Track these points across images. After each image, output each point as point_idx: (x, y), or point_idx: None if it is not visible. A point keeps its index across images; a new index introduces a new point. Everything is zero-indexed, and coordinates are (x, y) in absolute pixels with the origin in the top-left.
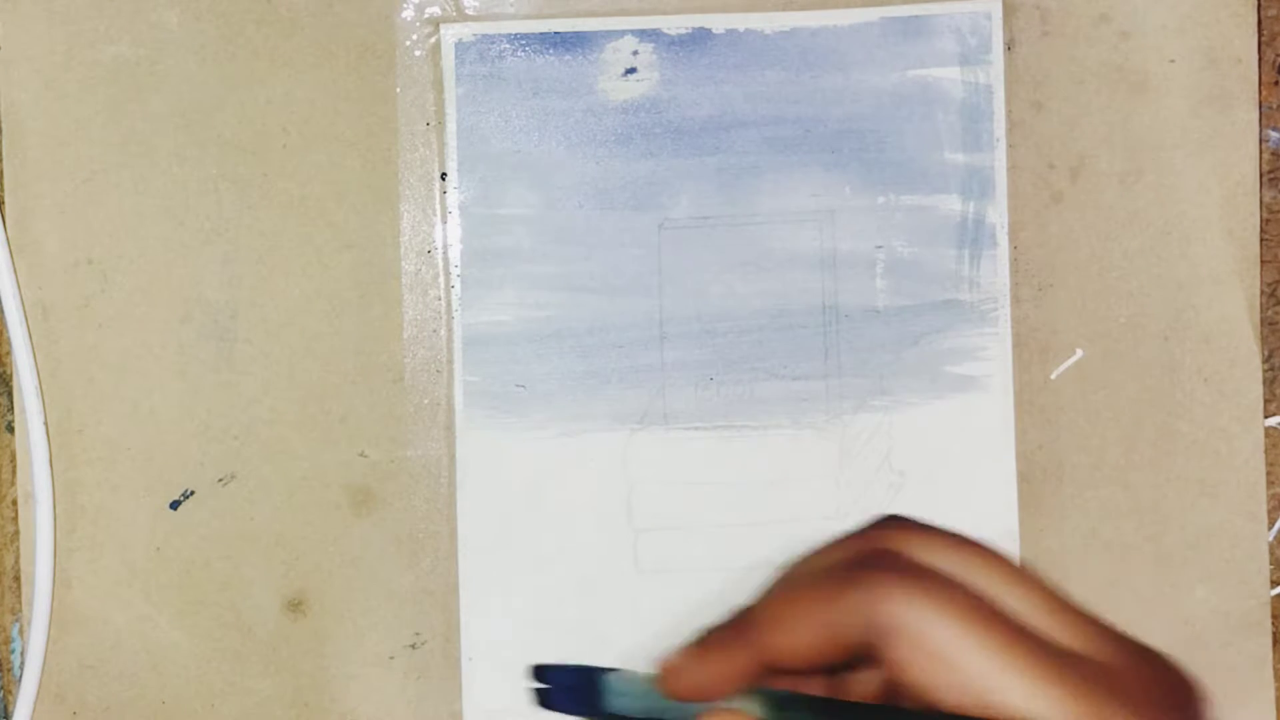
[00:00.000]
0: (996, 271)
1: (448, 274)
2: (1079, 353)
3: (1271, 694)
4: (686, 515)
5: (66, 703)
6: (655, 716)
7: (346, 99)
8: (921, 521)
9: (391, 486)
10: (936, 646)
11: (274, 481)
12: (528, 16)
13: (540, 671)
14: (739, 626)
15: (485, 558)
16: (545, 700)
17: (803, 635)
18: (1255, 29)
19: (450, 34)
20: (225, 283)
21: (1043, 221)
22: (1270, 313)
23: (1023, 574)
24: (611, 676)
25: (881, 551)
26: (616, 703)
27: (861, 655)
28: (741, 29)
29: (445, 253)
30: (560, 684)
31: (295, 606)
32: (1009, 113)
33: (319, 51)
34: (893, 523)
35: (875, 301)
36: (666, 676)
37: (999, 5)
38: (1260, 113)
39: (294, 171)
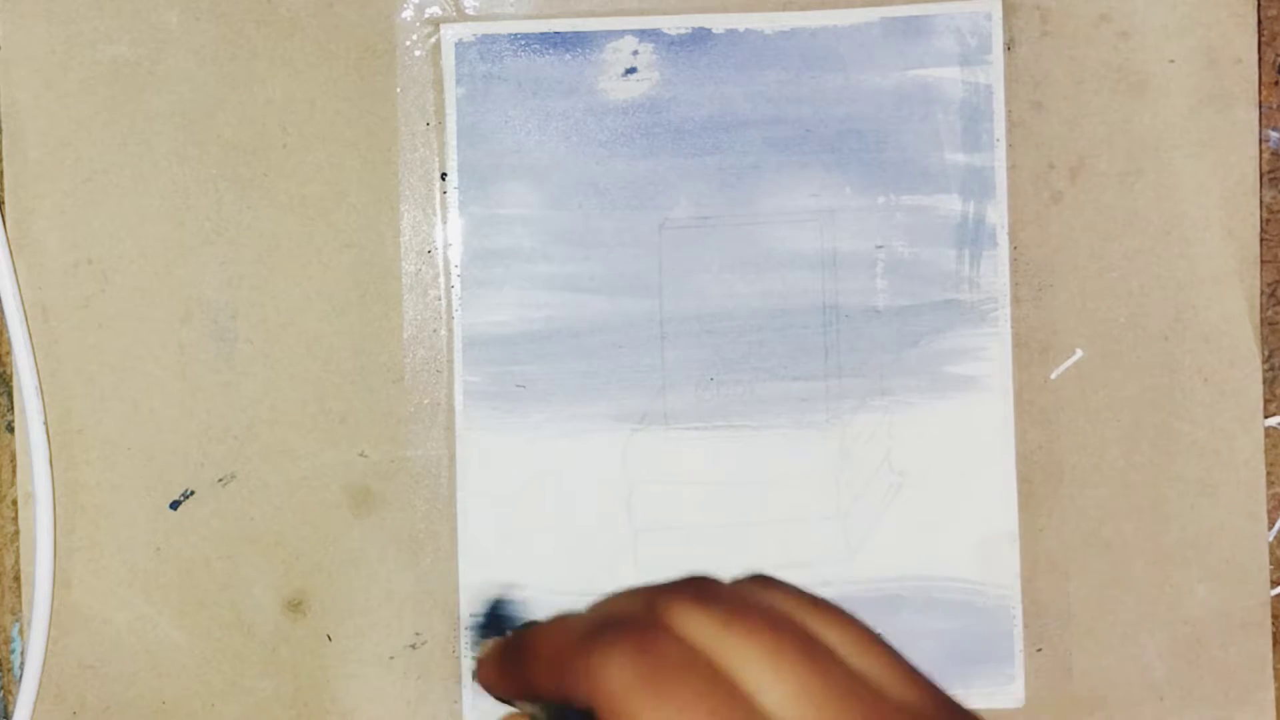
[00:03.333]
0: (996, 271)
1: (448, 274)
2: (1079, 353)
3: (1271, 694)
4: (686, 515)
5: (66, 703)
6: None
7: (346, 99)
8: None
9: (391, 486)
10: None
11: (274, 481)
12: (528, 16)
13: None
14: (518, 641)
15: (485, 558)
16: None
17: (542, 676)
18: (1255, 29)
19: (450, 34)
20: (225, 283)
21: (1043, 221)
22: (1270, 313)
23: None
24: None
25: (642, 617)
26: None
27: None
28: (741, 29)
29: (445, 253)
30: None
31: (295, 606)
32: (1009, 113)
33: (319, 51)
34: (690, 585)
35: (875, 301)
36: (477, 667)
37: (999, 5)
38: (1260, 113)
39: (294, 171)
